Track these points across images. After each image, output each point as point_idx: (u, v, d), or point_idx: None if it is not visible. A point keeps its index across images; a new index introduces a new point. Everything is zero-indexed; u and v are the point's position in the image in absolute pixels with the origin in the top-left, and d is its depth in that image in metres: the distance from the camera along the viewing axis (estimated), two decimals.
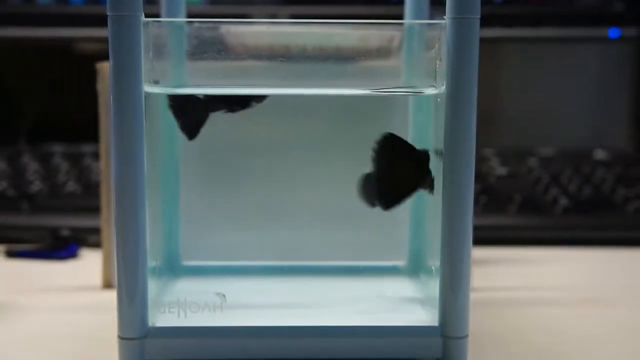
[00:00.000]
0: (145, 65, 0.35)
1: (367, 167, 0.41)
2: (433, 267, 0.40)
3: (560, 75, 0.89)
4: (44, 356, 0.39)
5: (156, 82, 0.38)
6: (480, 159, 0.74)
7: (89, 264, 0.55)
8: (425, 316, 0.39)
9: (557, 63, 0.89)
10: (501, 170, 0.71)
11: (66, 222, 0.60)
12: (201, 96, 0.40)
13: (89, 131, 0.57)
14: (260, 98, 0.41)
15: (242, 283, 0.44)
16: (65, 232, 0.58)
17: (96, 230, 0.51)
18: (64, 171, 0.70)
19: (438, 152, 0.37)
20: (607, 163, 0.74)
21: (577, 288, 0.51)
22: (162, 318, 0.37)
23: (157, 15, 0.46)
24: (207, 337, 0.36)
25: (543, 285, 0.51)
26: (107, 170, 0.48)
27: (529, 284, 0.52)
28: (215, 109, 0.41)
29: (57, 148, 0.77)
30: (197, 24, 0.40)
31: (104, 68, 0.48)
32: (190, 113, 0.41)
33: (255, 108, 0.45)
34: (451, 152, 0.36)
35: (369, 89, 0.41)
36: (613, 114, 0.90)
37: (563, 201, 0.64)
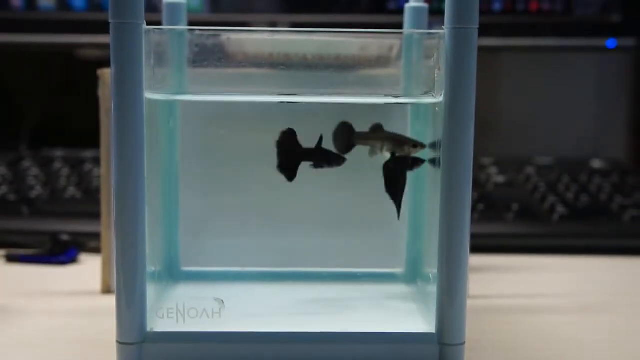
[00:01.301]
0: (146, 72, 0.35)
1: (365, 175, 0.42)
2: (430, 275, 0.40)
3: (558, 85, 0.90)
4: None
5: (157, 89, 0.38)
6: (478, 167, 0.75)
7: (89, 269, 0.55)
8: (422, 323, 0.39)
9: (555, 72, 0.89)
10: (499, 179, 0.71)
11: (66, 227, 0.60)
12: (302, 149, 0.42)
13: (90, 137, 0.57)
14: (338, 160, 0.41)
15: (240, 289, 0.44)
16: (65, 237, 0.58)
17: (96, 236, 0.51)
18: (65, 176, 0.70)
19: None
20: (604, 172, 0.74)
21: (574, 295, 0.51)
22: (160, 323, 0.38)
23: (159, 23, 0.46)
24: (205, 342, 0.37)
25: (540, 293, 0.52)
26: (107, 175, 0.49)
27: (526, 291, 0.52)
28: (308, 160, 0.42)
29: (58, 153, 0.78)
30: (198, 32, 0.40)
31: (106, 74, 0.48)
32: (291, 157, 0.42)
33: (253, 115, 0.45)
34: (449, 160, 0.36)
35: (369, 97, 0.41)
36: (610, 123, 0.91)
37: (560, 209, 0.64)
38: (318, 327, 0.38)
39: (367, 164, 0.42)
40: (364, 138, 0.42)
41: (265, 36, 0.43)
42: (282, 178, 0.45)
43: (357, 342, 0.37)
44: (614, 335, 0.44)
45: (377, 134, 0.41)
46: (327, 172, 0.45)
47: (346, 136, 0.42)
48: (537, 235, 0.62)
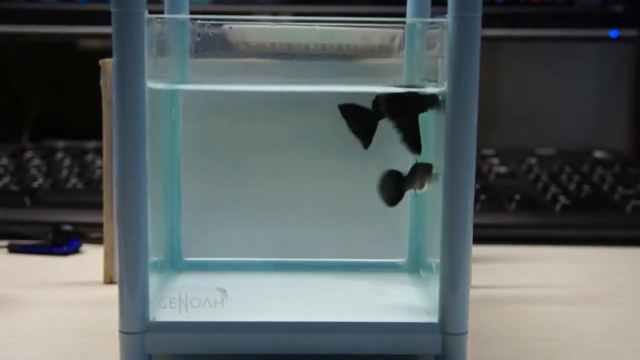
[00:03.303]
0: (148, 61, 0.35)
1: (365, 165, 0.42)
2: (433, 264, 0.40)
3: (560, 75, 0.90)
4: (45, 350, 0.40)
5: (159, 79, 0.38)
6: (480, 158, 0.75)
7: (91, 260, 0.55)
8: (424, 313, 0.39)
9: (557, 63, 0.89)
10: (501, 169, 0.71)
11: (68, 218, 0.60)
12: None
13: (92, 127, 0.57)
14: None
15: (242, 279, 0.44)
16: (67, 228, 0.58)
17: (98, 226, 0.51)
18: (67, 167, 0.70)
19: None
20: (606, 162, 0.74)
21: (576, 286, 0.51)
22: (163, 313, 0.38)
23: (161, 13, 0.46)
24: (208, 331, 0.37)
25: (542, 283, 0.52)
26: (109, 166, 0.49)
27: (528, 281, 0.52)
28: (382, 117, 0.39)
29: (60, 144, 0.78)
30: (200, 22, 0.40)
31: (107, 64, 0.48)
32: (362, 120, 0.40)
33: (255, 105, 0.45)
34: (452, 150, 0.36)
35: (371, 86, 0.41)
36: (612, 113, 0.91)
37: (562, 200, 0.64)
38: (320, 317, 0.38)
39: (368, 154, 0.42)
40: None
41: (268, 26, 0.43)
42: (284, 169, 0.45)
43: (359, 332, 0.37)
44: (616, 326, 0.44)
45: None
46: (329, 162, 0.45)
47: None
48: (539, 225, 0.62)
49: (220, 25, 0.40)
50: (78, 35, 0.78)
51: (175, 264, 0.45)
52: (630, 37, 0.75)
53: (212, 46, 0.40)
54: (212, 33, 0.40)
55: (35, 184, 0.66)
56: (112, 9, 0.34)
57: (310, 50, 0.41)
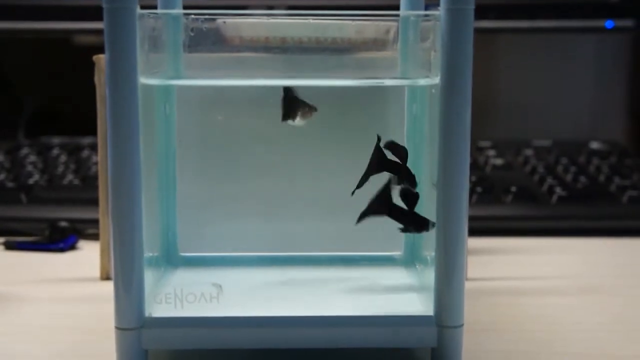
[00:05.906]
0: (140, 57, 0.35)
1: (360, 158, 0.41)
2: (429, 257, 0.40)
3: (556, 66, 0.90)
4: (42, 347, 0.40)
5: (152, 74, 0.38)
6: (476, 150, 0.75)
7: (88, 256, 0.55)
8: (420, 306, 0.39)
9: (553, 54, 0.89)
10: (497, 161, 0.71)
11: (65, 214, 0.60)
12: None
13: (88, 123, 0.57)
14: None
15: (238, 274, 0.44)
16: (63, 224, 0.58)
17: (95, 222, 0.51)
18: (63, 163, 0.70)
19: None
20: (603, 153, 0.74)
21: (572, 277, 0.51)
22: (159, 308, 0.38)
23: (154, 8, 0.46)
24: (203, 327, 0.37)
25: (538, 275, 0.52)
26: (105, 162, 0.49)
27: (524, 273, 0.52)
28: None
29: (56, 140, 0.78)
30: (193, 16, 0.40)
31: (101, 60, 0.48)
32: None
33: (249, 100, 0.45)
34: (446, 142, 0.36)
35: (365, 79, 0.41)
36: (609, 104, 0.91)
37: (558, 191, 0.64)
38: (316, 311, 0.38)
39: (364, 148, 0.42)
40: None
41: (262, 20, 0.43)
42: (279, 163, 0.45)
43: (355, 325, 0.37)
44: (613, 316, 0.44)
45: None
46: (324, 156, 0.45)
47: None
48: (535, 217, 0.62)
49: (214, 19, 0.40)
50: (73, 30, 0.78)
51: (170, 260, 0.45)
52: (626, 27, 0.75)
53: (205, 41, 0.40)
54: (205, 28, 0.40)
55: (31, 181, 0.66)
56: (104, 5, 0.34)
57: (304, 44, 0.41)
